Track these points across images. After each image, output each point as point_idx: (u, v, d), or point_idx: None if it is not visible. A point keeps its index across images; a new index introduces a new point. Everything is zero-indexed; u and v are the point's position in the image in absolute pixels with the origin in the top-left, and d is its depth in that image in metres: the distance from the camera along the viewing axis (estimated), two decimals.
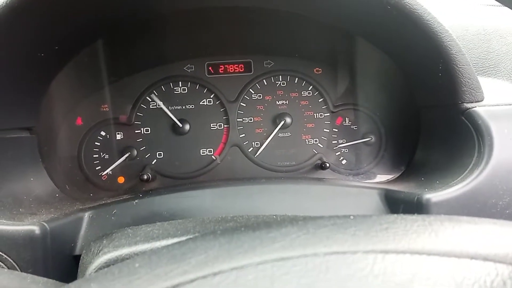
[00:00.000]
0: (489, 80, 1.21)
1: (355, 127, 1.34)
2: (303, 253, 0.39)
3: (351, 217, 0.49)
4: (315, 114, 1.34)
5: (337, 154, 1.34)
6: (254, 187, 1.05)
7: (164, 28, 1.14)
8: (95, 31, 1.03)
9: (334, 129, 1.34)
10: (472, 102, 0.95)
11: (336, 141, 1.34)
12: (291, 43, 1.29)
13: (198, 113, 1.32)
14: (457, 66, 0.91)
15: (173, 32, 1.18)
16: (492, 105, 0.96)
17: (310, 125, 1.34)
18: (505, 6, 0.50)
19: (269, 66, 1.34)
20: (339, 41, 1.19)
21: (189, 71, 1.32)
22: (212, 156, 1.32)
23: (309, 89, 1.34)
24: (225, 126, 1.33)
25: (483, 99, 0.96)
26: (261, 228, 0.47)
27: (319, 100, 1.34)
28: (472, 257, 0.39)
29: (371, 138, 1.31)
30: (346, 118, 1.35)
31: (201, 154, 1.32)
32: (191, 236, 0.64)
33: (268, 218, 0.77)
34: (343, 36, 1.14)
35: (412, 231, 0.44)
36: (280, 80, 1.35)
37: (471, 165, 0.90)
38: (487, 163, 0.88)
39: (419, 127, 1.15)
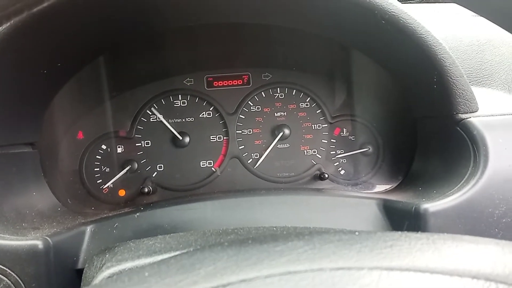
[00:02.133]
0: (483, 90, 1.23)
1: (353, 138, 1.36)
2: (309, 268, 0.40)
3: (356, 233, 0.50)
4: (313, 125, 1.36)
5: (335, 164, 1.36)
6: (254, 198, 1.06)
7: (163, 44, 1.16)
8: (97, 48, 1.05)
9: (332, 140, 1.36)
10: (467, 113, 0.97)
11: (334, 152, 1.36)
12: (289, 56, 1.31)
13: (198, 125, 1.34)
14: (451, 78, 0.93)
15: (172, 47, 1.20)
16: (487, 116, 0.98)
17: (309, 136, 1.36)
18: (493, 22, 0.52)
19: (267, 79, 1.36)
20: (336, 54, 1.21)
21: (188, 84, 1.34)
22: (212, 168, 1.33)
23: (307, 100, 1.36)
24: (224, 138, 1.35)
25: (478, 109, 0.97)
26: (268, 241, 0.48)
27: (317, 112, 1.36)
28: (474, 277, 0.40)
29: (368, 149, 1.33)
30: (344, 129, 1.37)
31: (201, 166, 1.33)
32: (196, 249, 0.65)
33: (269, 230, 0.78)
34: (340, 49, 1.16)
35: (416, 249, 0.44)
36: (278, 92, 1.37)
37: (467, 175, 0.92)
38: (482, 172, 0.89)
39: (416, 137, 1.16)
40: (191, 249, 0.65)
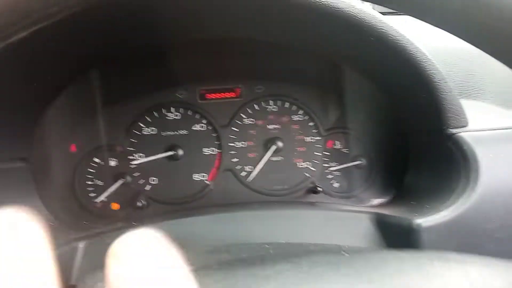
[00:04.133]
0: (474, 103, 1.25)
1: (346, 151, 1.36)
2: None
3: (346, 254, 0.51)
4: (306, 138, 1.37)
5: (328, 177, 1.36)
6: (247, 213, 1.06)
7: (156, 57, 1.16)
8: (89, 62, 1.05)
9: (325, 153, 1.37)
10: (457, 128, 0.98)
11: (327, 164, 1.36)
12: (281, 70, 1.32)
13: (191, 138, 1.34)
14: (440, 94, 0.94)
15: (165, 60, 1.20)
16: (477, 130, 0.99)
17: (302, 149, 1.36)
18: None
19: (259, 91, 1.37)
20: (327, 69, 1.22)
21: (181, 97, 1.34)
22: (205, 181, 1.33)
23: (300, 113, 1.37)
24: (217, 151, 1.35)
25: (467, 124, 0.99)
26: (255, 264, 0.48)
27: (310, 124, 1.37)
28: None
29: (361, 161, 1.33)
30: (337, 142, 1.37)
31: (195, 179, 1.33)
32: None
33: (260, 247, 0.79)
34: (331, 63, 1.17)
35: (403, 270, 0.45)
36: (271, 105, 1.37)
37: (459, 190, 0.92)
38: (473, 188, 0.90)
39: (408, 151, 1.17)
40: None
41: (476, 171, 0.91)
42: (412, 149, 1.16)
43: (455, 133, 0.98)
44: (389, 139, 1.29)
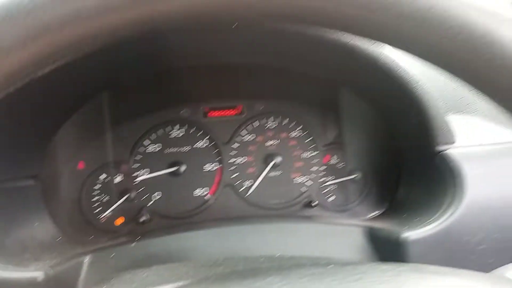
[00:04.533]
0: (464, 118, 1.29)
1: (342, 165, 1.41)
2: None
3: (331, 266, 0.55)
4: (303, 154, 1.41)
5: (324, 191, 1.40)
6: (246, 227, 1.11)
7: (163, 79, 1.23)
8: (100, 86, 1.12)
9: (322, 167, 1.41)
10: (445, 145, 1.03)
11: (323, 179, 1.41)
12: (281, 90, 1.37)
13: (193, 154, 1.39)
14: (428, 113, 0.99)
15: (171, 82, 1.26)
16: (464, 146, 1.04)
17: (299, 164, 1.41)
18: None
19: (260, 109, 1.42)
20: (325, 90, 1.27)
21: (185, 115, 1.40)
22: (206, 196, 1.38)
23: (298, 129, 1.42)
24: (218, 166, 1.40)
25: (455, 141, 1.03)
26: (248, 276, 0.53)
27: (307, 140, 1.41)
28: None
29: (356, 176, 1.38)
30: (333, 157, 1.42)
31: (196, 194, 1.38)
32: (185, 282, 0.70)
33: (256, 260, 0.83)
34: (329, 86, 1.22)
35: (382, 281, 0.50)
36: (272, 121, 1.42)
37: (446, 204, 0.97)
38: (460, 202, 0.94)
39: (400, 166, 1.22)
40: (181, 283, 0.70)
41: (462, 186, 0.95)
42: (404, 165, 1.21)
43: (443, 150, 1.02)
44: (383, 155, 1.33)
